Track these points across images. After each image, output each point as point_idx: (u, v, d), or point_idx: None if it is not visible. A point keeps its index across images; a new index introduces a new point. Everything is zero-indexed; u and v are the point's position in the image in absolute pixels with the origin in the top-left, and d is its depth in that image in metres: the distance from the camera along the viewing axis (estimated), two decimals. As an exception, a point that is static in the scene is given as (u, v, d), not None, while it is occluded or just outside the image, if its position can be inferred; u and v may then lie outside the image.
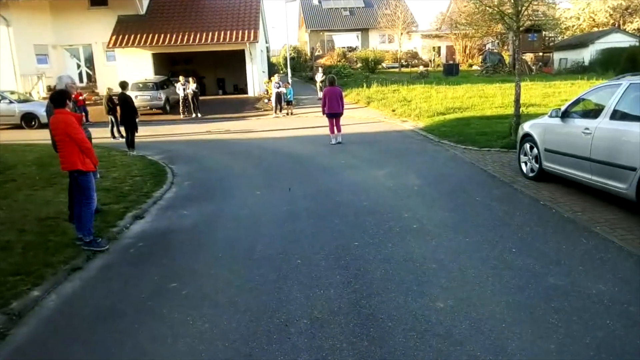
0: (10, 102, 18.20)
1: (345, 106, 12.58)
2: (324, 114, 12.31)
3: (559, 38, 37.05)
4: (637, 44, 27.82)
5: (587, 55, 29.88)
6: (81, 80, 26.08)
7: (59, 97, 5.28)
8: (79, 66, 26.20)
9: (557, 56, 33.64)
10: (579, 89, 18.55)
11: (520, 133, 8.02)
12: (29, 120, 18.08)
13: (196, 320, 3.80)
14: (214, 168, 10.21)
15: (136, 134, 12.82)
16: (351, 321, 3.65)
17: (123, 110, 11.59)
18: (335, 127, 12.19)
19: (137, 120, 11.94)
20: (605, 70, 24.94)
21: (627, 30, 34.32)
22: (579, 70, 28.11)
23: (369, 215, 6.21)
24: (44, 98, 23.65)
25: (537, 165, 7.36)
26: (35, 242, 5.52)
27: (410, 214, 6.21)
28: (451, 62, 37.22)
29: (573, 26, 38.79)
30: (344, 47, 42.88)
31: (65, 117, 5.23)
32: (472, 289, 4.08)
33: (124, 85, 11.72)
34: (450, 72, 31.39)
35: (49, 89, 24.55)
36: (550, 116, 7.13)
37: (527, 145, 7.68)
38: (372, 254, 4.94)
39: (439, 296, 3.97)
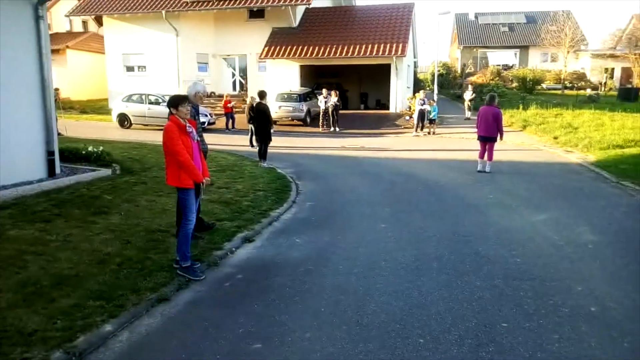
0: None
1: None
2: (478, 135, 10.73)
3: None
4: None
5: None
6: (234, 89, 27.55)
7: (170, 102, 4.75)
8: (233, 75, 27.72)
9: None
10: None
11: None
12: (181, 123, 19.22)
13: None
14: (340, 189, 9.31)
15: (270, 145, 12.60)
16: None
17: (259, 120, 11.33)
18: (485, 153, 10.54)
19: (272, 131, 11.61)
20: None
21: None
22: None
23: (524, 281, 4.68)
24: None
25: None
26: (133, 259, 5.07)
27: (585, 288, 4.54)
28: (629, 85, 32.07)
29: None
30: (499, 65, 39.72)
31: (167, 125, 4.68)
32: None
33: (262, 94, 11.48)
34: (628, 97, 26.90)
35: (206, 95, 26.31)
36: None
37: None
38: (530, 347, 3.48)
39: None
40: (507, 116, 19.84)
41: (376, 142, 16.79)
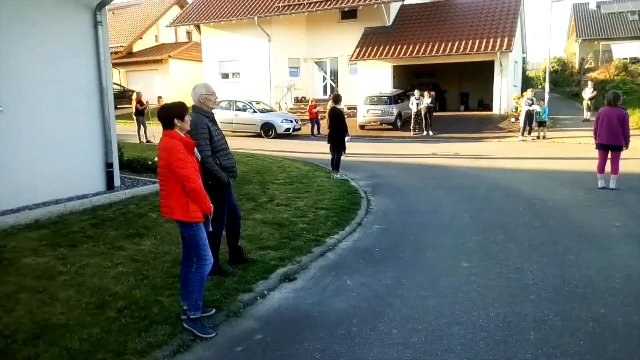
0: (254, 111, 19.22)
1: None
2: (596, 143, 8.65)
3: None
4: None
5: None
6: (325, 93, 26.77)
7: (164, 115, 3.73)
8: (324, 79, 26.96)
9: None
10: None
11: None
12: (267, 129, 18.77)
13: None
14: (420, 208, 7.82)
15: (348, 152, 11.45)
16: None
17: (332, 126, 10.19)
18: (609, 165, 8.42)
19: (348, 138, 10.42)
20: None
21: None
22: None
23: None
24: (290, 109, 24.97)
25: None
26: (140, 302, 4.15)
27: None
28: None
29: None
30: (626, 59, 34.66)
31: (169, 142, 3.66)
32: None
33: (336, 98, 10.34)
34: None
35: (296, 100, 25.87)
36: None
37: None
38: None
39: None
40: (635, 117, 16.72)
41: (474, 148, 14.82)
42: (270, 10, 24.83)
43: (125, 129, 18.10)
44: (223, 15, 26.10)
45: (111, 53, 32.32)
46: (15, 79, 6.94)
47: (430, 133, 18.16)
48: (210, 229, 3.88)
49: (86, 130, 8.04)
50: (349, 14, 24.94)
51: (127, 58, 32.35)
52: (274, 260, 5.26)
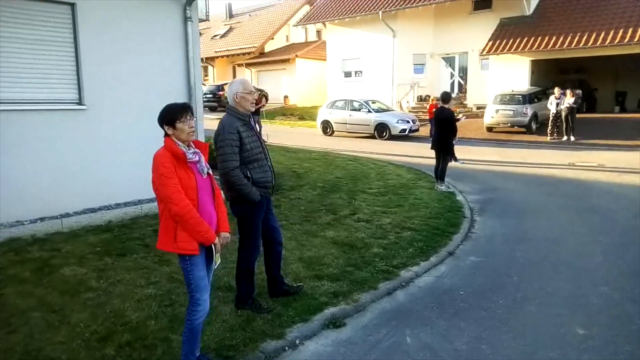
0: (369, 111, 18.28)
1: None
2: None
3: None
4: None
5: None
6: (452, 91, 24.83)
7: (161, 116, 3.00)
8: (452, 75, 24.98)
9: None
10: None
11: None
12: (381, 130, 17.73)
13: None
14: (534, 237, 6.22)
15: (459, 160, 10.01)
16: None
17: (439, 129, 8.84)
18: None
19: (454, 142, 9.02)
20: None
21: None
22: None
23: None
24: (411, 109, 23.56)
25: None
26: (147, 338, 3.52)
27: None
28: None
29: None
30: None
31: (156, 153, 2.94)
32: None
33: (445, 97, 8.96)
34: None
35: (420, 99, 24.35)
36: None
37: None
38: None
39: None
40: None
41: (625, 159, 12.15)
42: (396, 4, 23.63)
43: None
44: (347, 12, 25.55)
45: (243, 54, 34.09)
46: (99, 77, 6.92)
47: (572, 138, 15.54)
48: (216, 266, 3.08)
49: (172, 130, 7.86)
50: (483, 4, 22.68)
51: (259, 58, 33.56)
52: (325, 295, 4.32)
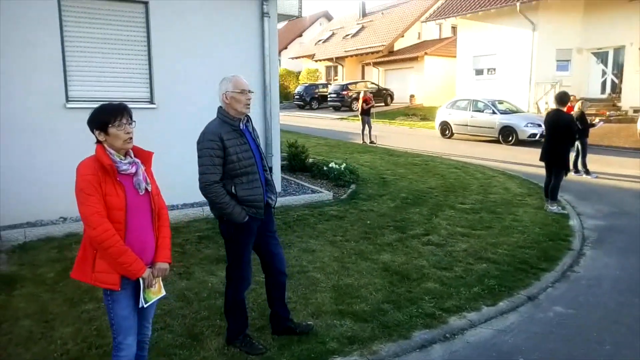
0: (494, 112, 16.40)
1: None
2: None
3: None
4: None
5: None
6: (603, 91, 21.39)
7: (91, 119, 2.46)
8: (603, 73, 21.46)
9: None
10: None
11: None
12: (506, 134, 15.78)
13: None
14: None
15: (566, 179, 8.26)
16: None
17: (552, 136, 7.24)
18: None
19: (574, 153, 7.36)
20: None
21: None
22: None
23: None
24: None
25: None
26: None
27: None
28: None
29: None
30: None
31: (82, 163, 2.41)
32: None
33: (562, 98, 7.32)
34: None
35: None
36: None
37: None
38: None
39: None
40: None
41: None
42: (538, -7, 21.01)
43: (348, 127, 17.88)
44: (481, 5, 23.46)
45: (372, 52, 33.54)
46: (170, 75, 6.87)
47: None
48: (144, 305, 2.50)
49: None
50: (648, -11, 19.05)
51: (387, 57, 32.71)
52: (338, 340, 3.52)
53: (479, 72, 24.95)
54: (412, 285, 4.47)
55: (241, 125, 3.23)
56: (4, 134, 5.87)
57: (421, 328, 3.74)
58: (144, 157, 2.57)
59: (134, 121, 2.50)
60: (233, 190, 3.12)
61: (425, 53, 29.62)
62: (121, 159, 2.44)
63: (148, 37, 6.67)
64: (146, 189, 2.52)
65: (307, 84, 34.39)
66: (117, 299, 2.44)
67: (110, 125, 2.39)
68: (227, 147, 3.08)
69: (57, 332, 3.55)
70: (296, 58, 42.26)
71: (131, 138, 2.47)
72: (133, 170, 2.48)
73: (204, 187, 3.08)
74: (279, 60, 44.07)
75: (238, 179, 3.14)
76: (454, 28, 34.88)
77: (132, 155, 2.52)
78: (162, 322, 3.73)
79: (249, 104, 3.24)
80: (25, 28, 5.89)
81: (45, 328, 3.61)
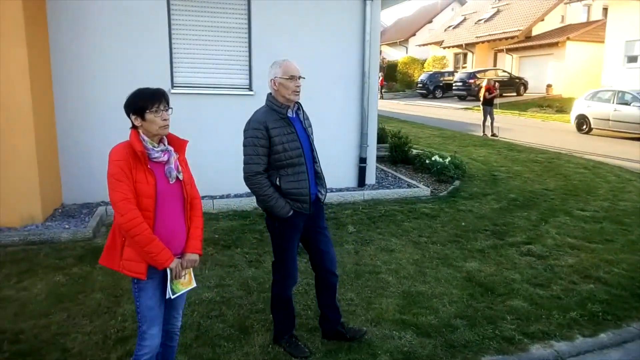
0: (643, 105, 14.11)
1: None
2: None
3: None
4: None
5: None
6: None
7: (127, 103, 2.39)
8: None
9: None
10: None
11: None
12: (657, 130, 13.52)
13: None
14: None
15: None
16: None
17: None
18: None
19: None
20: None
21: None
22: None
23: None
24: None
25: None
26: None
27: None
28: None
29: None
30: None
31: (114, 150, 2.36)
32: None
33: None
34: None
35: None
36: None
37: None
38: None
39: None
40: None
41: None
42: None
43: (470, 117, 16.71)
44: (640, -20, 20.35)
45: (506, 38, 31.06)
46: (268, 62, 6.86)
47: None
48: (171, 297, 2.42)
49: (340, 120, 7.37)
50: None
51: (523, 43, 30.03)
52: (390, 353, 3.18)
53: (632, 59, 21.80)
54: (495, 301, 3.92)
55: (290, 113, 3.01)
56: (114, 117, 6.37)
57: (493, 353, 3.23)
58: (179, 145, 2.49)
59: (171, 107, 2.43)
60: (277, 182, 2.93)
61: (568, 38, 26.59)
62: (154, 147, 2.38)
63: (249, 23, 6.75)
64: (177, 178, 2.44)
65: (431, 72, 33.12)
66: (143, 287, 2.40)
67: (147, 111, 2.33)
68: (272, 136, 2.89)
69: (121, 309, 3.72)
70: (423, 45, 40.89)
71: (167, 125, 2.40)
72: (165, 158, 2.40)
73: (247, 178, 2.93)
74: (406, 47, 43.04)
75: (283, 170, 2.94)
76: (605, 10, 30.84)
77: (166, 143, 2.45)
78: (217, 310, 3.71)
79: (298, 91, 3.00)
80: (135, 19, 6.30)
81: (113, 303, 3.81)
